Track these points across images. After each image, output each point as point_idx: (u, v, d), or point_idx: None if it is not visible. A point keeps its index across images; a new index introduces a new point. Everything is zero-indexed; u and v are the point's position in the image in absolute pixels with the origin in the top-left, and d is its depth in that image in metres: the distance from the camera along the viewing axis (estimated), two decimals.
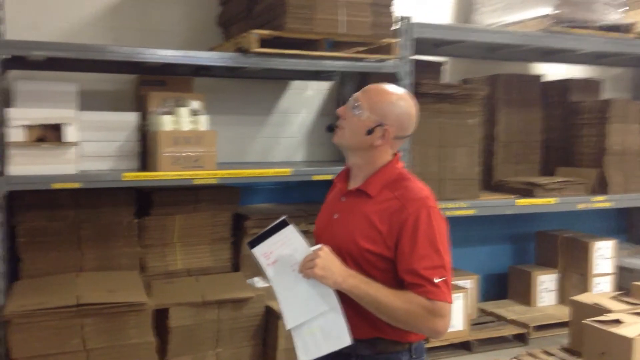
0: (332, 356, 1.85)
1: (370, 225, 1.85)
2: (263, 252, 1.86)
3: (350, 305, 1.82)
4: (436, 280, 1.78)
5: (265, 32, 3.59)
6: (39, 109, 3.31)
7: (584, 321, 3.76)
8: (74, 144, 3.35)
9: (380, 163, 1.94)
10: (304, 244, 1.84)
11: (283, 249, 1.85)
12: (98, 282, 3.49)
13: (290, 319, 1.86)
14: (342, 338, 1.80)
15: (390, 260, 1.84)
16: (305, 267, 1.80)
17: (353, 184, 1.98)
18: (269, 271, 1.87)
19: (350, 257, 1.84)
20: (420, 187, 1.91)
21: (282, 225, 1.85)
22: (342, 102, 4.70)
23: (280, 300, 1.87)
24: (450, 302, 1.82)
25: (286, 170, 3.83)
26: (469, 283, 4.68)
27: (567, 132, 5.24)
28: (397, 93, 1.96)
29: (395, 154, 1.99)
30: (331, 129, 2.00)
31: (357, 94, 1.95)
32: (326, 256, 1.79)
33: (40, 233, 3.59)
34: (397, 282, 1.83)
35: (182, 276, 3.89)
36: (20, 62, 3.52)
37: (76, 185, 3.30)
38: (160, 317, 3.46)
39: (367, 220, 1.86)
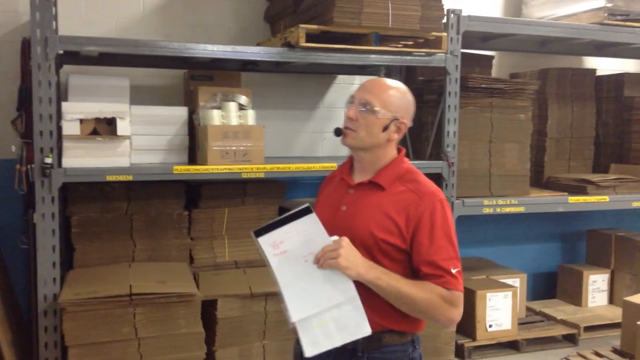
0: (336, 352, 1.84)
1: (385, 216, 1.88)
2: (272, 241, 1.80)
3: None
4: (453, 271, 1.84)
5: (313, 26, 3.59)
6: (93, 103, 3.38)
7: (638, 323, 3.65)
8: (127, 137, 3.42)
9: (390, 156, 1.99)
10: (324, 234, 1.81)
11: (297, 238, 1.80)
12: (149, 273, 3.55)
13: (295, 312, 1.78)
14: (361, 328, 1.80)
15: (403, 252, 1.87)
16: (327, 257, 1.77)
17: (360, 177, 1.99)
18: (274, 261, 1.80)
19: (363, 247, 1.85)
20: (430, 181, 1.97)
21: (304, 212, 1.80)
22: None
23: (285, 292, 1.79)
24: (463, 292, 1.89)
25: (332, 165, 3.82)
26: (517, 281, 4.60)
27: (621, 127, 5.09)
28: (401, 86, 2.01)
29: (400, 149, 2.04)
30: (339, 132, 1.96)
31: (361, 94, 1.94)
32: (348, 247, 1.80)
33: (93, 224, 3.67)
34: (406, 272, 1.87)
35: (230, 268, 3.93)
36: (73, 57, 3.61)
37: (129, 178, 3.36)
38: (208, 308, 3.51)
39: (382, 211, 1.88)
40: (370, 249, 1.85)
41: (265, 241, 1.80)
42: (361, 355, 1.89)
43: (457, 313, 1.85)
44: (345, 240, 1.81)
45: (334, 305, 1.80)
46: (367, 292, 1.82)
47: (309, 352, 1.80)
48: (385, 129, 1.92)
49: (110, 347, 3.24)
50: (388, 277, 1.81)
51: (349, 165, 2.06)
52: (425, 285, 1.82)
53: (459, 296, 1.85)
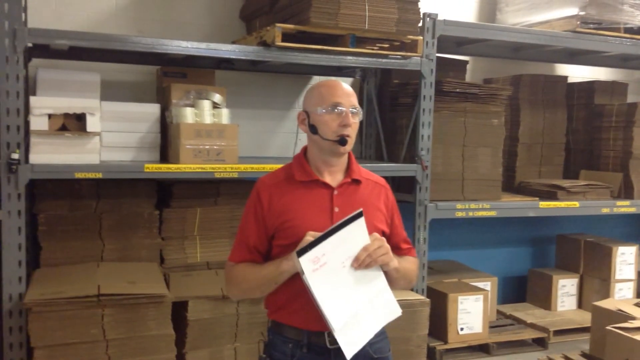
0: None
1: (376, 208, 2.07)
2: (314, 257, 1.78)
3: None
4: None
5: (289, 26, 3.57)
6: (62, 98, 3.30)
7: (607, 327, 3.69)
8: (97, 133, 3.34)
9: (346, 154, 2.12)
10: (366, 235, 1.89)
11: (340, 247, 1.83)
12: (118, 273, 3.48)
13: (337, 321, 1.79)
14: (392, 312, 1.95)
15: (386, 235, 2.06)
16: (377, 255, 1.88)
17: (333, 178, 2.06)
18: (313, 277, 1.77)
19: None
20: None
21: (356, 217, 1.87)
22: (365, 99, 4.68)
23: (324, 305, 1.78)
24: None
25: None
26: (488, 285, 4.63)
27: (591, 134, 5.17)
28: None
29: None
30: (344, 142, 2.01)
31: (347, 99, 2.01)
32: (385, 241, 1.94)
33: (61, 222, 3.58)
34: None
35: (202, 269, 3.87)
36: (43, 50, 3.53)
37: (98, 176, 3.29)
38: (179, 310, 3.45)
39: (373, 205, 2.07)
40: None
41: (308, 258, 1.78)
42: (367, 346, 1.95)
43: None
44: (379, 235, 1.95)
45: (367, 301, 1.88)
46: None
47: (349, 353, 1.82)
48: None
49: (77, 349, 3.15)
50: (400, 260, 2.04)
51: (307, 168, 2.05)
52: (408, 259, 2.15)
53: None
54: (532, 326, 4.68)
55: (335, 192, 2.03)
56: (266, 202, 2.01)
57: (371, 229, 1.95)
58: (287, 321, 2.01)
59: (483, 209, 4.28)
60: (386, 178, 4.44)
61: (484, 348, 4.34)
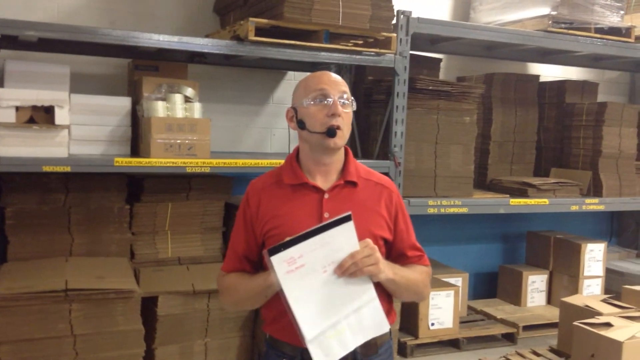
0: None
1: (375, 212, 1.89)
2: (288, 257, 1.66)
3: None
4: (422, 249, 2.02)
5: (262, 20, 3.55)
6: (30, 90, 3.24)
7: (574, 323, 3.76)
8: (66, 126, 3.29)
9: (343, 152, 1.96)
10: (355, 241, 1.72)
11: (321, 250, 1.69)
12: (87, 268, 3.44)
13: (310, 329, 1.67)
14: (380, 326, 1.79)
15: (387, 243, 1.92)
16: (364, 264, 1.70)
17: (326, 181, 1.89)
18: (286, 278, 1.66)
19: None
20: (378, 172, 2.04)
21: (344, 220, 1.72)
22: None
23: (296, 310, 1.67)
24: None
25: (280, 162, 3.77)
26: (459, 281, 4.67)
27: (562, 133, 5.24)
28: None
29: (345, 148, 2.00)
30: (334, 133, 1.82)
31: (337, 87, 1.85)
32: (377, 249, 1.75)
33: (29, 216, 3.53)
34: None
35: (173, 264, 3.84)
36: (11, 41, 3.46)
37: (67, 169, 3.23)
38: (149, 305, 3.42)
39: (370, 209, 1.88)
40: None
41: (280, 259, 1.66)
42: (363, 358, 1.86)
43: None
44: (371, 243, 1.75)
45: (351, 312, 1.74)
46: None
47: None
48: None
49: (44, 344, 3.12)
50: (399, 270, 1.85)
51: (297, 170, 1.91)
52: (416, 268, 1.95)
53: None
54: (502, 322, 4.74)
55: (326, 196, 1.87)
56: (254, 207, 1.90)
57: (365, 234, 1.78)
58: (280, 336, 1.89)
59: (454, 206, 4.31)
60: None
61: (454, 343, 4.38)
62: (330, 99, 1.83)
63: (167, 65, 3.90)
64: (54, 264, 3.47)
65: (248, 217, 1.91)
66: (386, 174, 4.09)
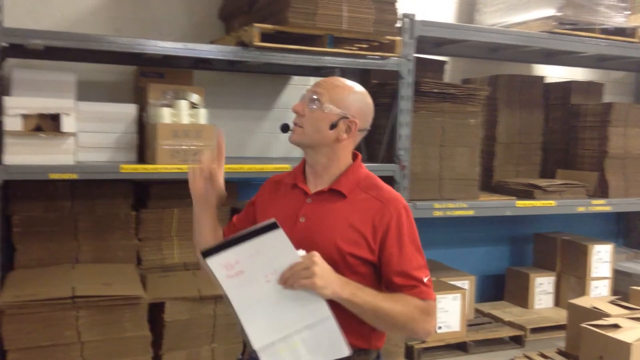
0: None
1: (351, 227, 1.75)
2: (225, 262, 1.60)
3: None
4: (425, 280, 1.75)
5: (267, 26, 3.56)
6: (37, 98, 3.26)
7: (582, 325, 3.74)
8: (72, 134, 3.31)
9: (346, 161, 1.86)
10: (292, 251, 1.62)
11: (257, 257, 1.61)
12: (94, 274, 3.45)
13: (257, 339, 1.62)
14: (337, 349, 1.65)
15: (370, 264, 1.76)
16: (299, 277, 1.59)
17: (316, 185, 1.84)
18: (228, 284, 1.61)
19: (330, 262, 1.67)
20: (390, 187, 1.86)
21: (270, 228, 1.60)
22: None
23: (243, 317, 1.62)
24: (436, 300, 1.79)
25: (286, 166, 3.79)
26: (466, 284, 4.66)
27: (568, 134, 5.23)
28: (357, 86, 1.88)
29: (356, 155, 1.91)
30: (286, 128, 1.83)
31: (312, 89, 1.81)
32: (322, 263, 1.62)
33: (36, 223, 3.55)
34: (372, 286, 1.73)
35: (179, 270, 3.86)
36: (18, 50, 3.47)
37: (73, 176, 3.26)
38: (156, 311, 3.43)
39: (346, 222, 1.75)
40: (336, 264, 1.69)
41: (217, 262, 1.60)
42: None
43: (433, 323, 1.76)
44: (317, 256, 1.63)
45: (304, 327, 1.64)
46: (336, 309, 1.65)
47: None
48: (333, 126, 1.78)
49: (51, 351, 3.14)
50: (363, 292, 1.66)
51: (301, 171, 1.89)
52: (401, 298, 1.71)
53: (434, 305, 1.76)
54: (510, 324, 4.73)
55: (309, 200, 1.82)
56: (259, 197, 1.96)
57: (329, 247, 1.70)
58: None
59: (461, 209, 4.31)
60: None
61: (461, 346, 4.37)
62: (303, 97, 1.84)
63: (173, 71, 3.92)
64: (60, 271, 3.49)
65: (254, 205, 1.97)
66: (392, 177, 4.09)
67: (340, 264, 1.71)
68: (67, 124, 3.27)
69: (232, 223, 2.01)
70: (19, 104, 3.22)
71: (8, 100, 3.21)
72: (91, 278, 3.39)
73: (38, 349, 3.10)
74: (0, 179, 3.13)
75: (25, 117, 3.22)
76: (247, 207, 2.00)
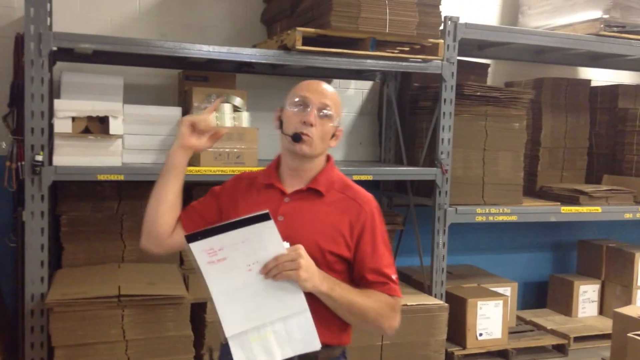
0: None
1: (330, 225, 1.80)
2: (208, 248, 1.62)
3: None
4: (394, 277, 1.84)
5: (309, 30, 3.58)
6: (86, 101, 3.34)
7: (628, 334, 3.63)
8: (119, 136, 3.38)
9: (322, 162, 1.91)
10: (280, 242, 1.66)
11: (242, 245, 1.63)
12: (139, 274, 3.52)
13: (231, 326, 1.64)
14: (309, 343, 1.69)
15: (345, 261, 1.82)
16: (284, 268, 1.64)
17: (293, 185, 1.87)
18: (209, 269, 1.63)
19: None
20: (362, 188, 1.92)
21: (261, 218, 1.63)
22: (385, 102, 4.67)
23: (218, 304, 1.64)
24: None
25: None
26: (508, 290, 4.59)
27: (614, 139, 5.11)
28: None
29: (329, 157, 1.95)
30: (298, 138, 1.80)
31: (318, 98, 1.82)
32: (307, 256, 1.67)
33: (83, 223, 3.64)
34: (347, 282, 1.81)
35: None
36: (67, 54, 3.57)
37: (120, 178, 3.32)
38: (198, 311, 3.47)
39: (325, 221, 1.81)
40: (316, 261, 1.73)
41: (200, 247, 1.63)
42: None
43: (398, 319, 1.85)
44: (302, 249, 1.68)
45: (279, 319, 1.67)
46: (310, 304, 1.69)
47: None
48: (332, 136, 1.87)
49: (97, 349, 3.19)
50: (340, 287, 1.73)
51: (275, 171, 1.92)
52: (372, 294, 1.79)
53: (400, 302, 1.87)
54: (552, 332, 4.64)
55: (286, 200, 1.85)
56: (228, 190, 1.95)
57: (310, 245, 1.73)
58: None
59: (504, 214, 4.24)
60: (405, 182, 4.45)
61: (503, 354, 4.30)
62: (308, 108, 1.83)
63: (216, 75, 3.97)
64: (106, 270, 3.57)
65: (218, 197, 1.96)
66: (433, 181, 4.06)
67: (319, 260, 1.75)
68: (115, 126, 3.34)
69: (192, 207, 1.99)
70: (69, 107, 3.30)
71: (58, 103, 3.29)
72: (136, 277, 3.45)
73: (84, 346, 3.16)
74: (49, 180, 3.21)
75: (74, 119, 3.30)
76: (209, 196, 2.00)
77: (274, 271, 1.65)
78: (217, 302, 1.65)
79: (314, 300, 1.71)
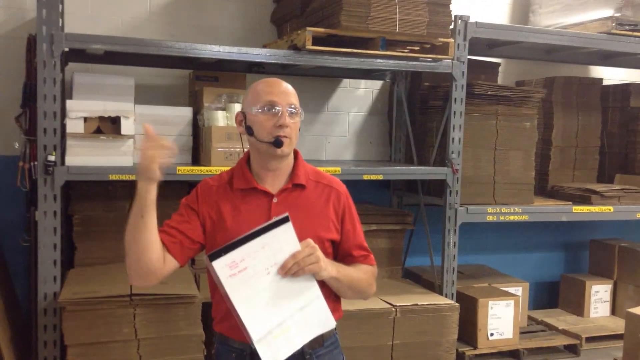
0: None
1: (320, 215, 1.93)
2: (230, 261, 1.67)
3: None
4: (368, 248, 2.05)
5: (320, 29, 3.58)
6: (97, 102, 3.37)
7: None
8: (131, 136, 3.40)
9: (292, 157, 1.98)
10: (296, 241, 1.74)
11: (263, 251, 1.71)
12: None
13: (256, 330, 1.68)
14: (325, 323, 1.82)
15: (335, 243, 1.96)
16: (306, 263, 1.73)
17: (274, 185, 1.92)
18: (231, 282, 1.66)
19: None
20: (327, 173, 2.06)
21: (282, 222, 1.73)
22: (395, 102, 4.67)
23: (242, 312, 1.67)
24: None
25: (336, 169, 3.80)
26: (519, 290, 4.58)
27: (626, 138, 5.08)
28: None
29: (296, 150, 2.01)
30: (279, 143, 1.86)
31: (285, 98, 1.88)
32: (318, 248, 1.79)
33: (95, 223, 3.66)
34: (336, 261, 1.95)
35: None
36: (79, 55, 3.61)
37: (132, 177, 3.33)
38: (209, 310, 3.48)
39: (317, 212, 1.93)
40: None
41: (222, 263, 1.66)
42: (309, 357, 1.90)
43: (375, 285, 2.06)
44: (313, 242, 1.78)
45: (297, 310, 1.76)
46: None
47: None
48: (299, 129, 1.96)
49: (109, 347, 3.21)
50: (342, 268, 1.89)
51: (247, 174, 1.93)
52: (360, 267, 1.98)
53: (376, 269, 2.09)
54: (564, 332, 4.61)
55: (275, 200, 1.90)
56: (204, 205, 1.92)
57: (311, 237, 1.81)
58: (230, 334, 1.91)
59: (515, 213, 4.23)
60: (416, 181, 4.44)
61: (514, 354, 4.29)
62: (278, 108, 1.87)
63: (227, 75, 3.99)
64: (118, 269, 3.57)
65: (197, 211, 1.92)
66: (443, 181, 4.05)
67: (320, 249, 1.83)
68: (127, 126, 3.37)
69: (174, 230, 1.90)
70: (81, 107, 3.33)
71: (70, 104, 3.32)
72: None
73: (97, 345, 3.18)
74: (62, 180, 3.24)
75: (86, 119, 3.33)
76: (186, 213, 1.92)
77: (294, 268, 1.73)
78: (240, 310, 1.68)
79: (321, 285, 1.84)
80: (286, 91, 1.92)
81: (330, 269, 1.82)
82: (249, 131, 1.91)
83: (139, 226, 1.78)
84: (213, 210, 1.91)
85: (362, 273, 1.97)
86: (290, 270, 1.72)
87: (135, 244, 1.79)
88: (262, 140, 1.87)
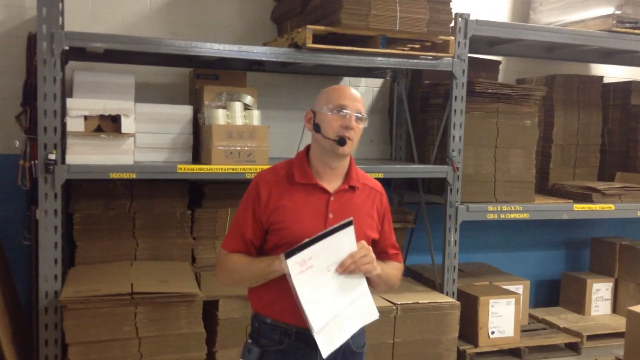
0: (338, 352, 1.99)
1: (369, 216, 2.12)
2: (301, 260, 1.85)
3: None
4: None
5: (320, 27, 3.58)
6: (98, 100, 3.36)
7: None
8: (131, 135, 3.40)
9: (347, 159, 2.13)
10: (354, 242, 1.94)
11: (327, 252, 1.89)
12: (151, 272, 3.53)
13: (317, 323, 1.86)
14: (371, 313, 2.04)
15: (374, 241, 2.13)
16: (362, 263, 1.94)
17: (331, 184, 2.07)
18: (299, 278, 1.84)
19: None
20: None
21: (346, 225, 1.92)
22: (396, 100, 4.67)
23: (307, 307, 1.85)
24: None
25: None
26: (520, 288, 4.57)
27: (627, 136, 5.07)
28: None
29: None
30: (343, 142, 2.01)
31: (353, 104, 2.02)
32: (371, 249, 1.99)
33: (96, 221, 3.66)
34: None
35: None
36: (79, 53, 3.60)
37: (132, 176, 3.34)
38: (210, 309, 3.49)
39: (365, 213, 2.10)
40: None
41: (294, 261, 1.84)
42: (356, 349, 2.11)
43: None
44: (366, 244, 1.98)
45: (349, 303, 1.95)
46: None
47: (325, 352, 1.89)
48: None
49: (110, 346, 3.21)
50: (383, 266, 2.09)
51: (307, 170, 2.06)
52: (392, 264, 2.20)
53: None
54: (565, 331, 4.61)
55: (332, 198, 2.06)
56: (265, 198, 2.03)
57: (361, 236, 1.99)
58: (278, 317, 2.04)
59: (515, 211, 4.23)
60: (416, 179, 4.44)
61: (515, 352, 4.28)
62: (347, 112, 2.02)
63: (227, 73, 3.98)
64: (119, 268, 3.59)
65: (257, 207, 2.04)
66: (444, 179, 4.05)
67: None
68: (127, 125, 3.37)
69: (247, 241, 2.05)
70: (81, 106, 3.33)
71: (70, 102, 3.32)
72: (148, 275, 3.46)
73: (98, 344, 3.18)
74: (62, 178, 3.24)
75: (86, 118, 3.32)
76: (250, 214, 2.04)
77: (352, 267, 1.93)
78: (305, 304, 1.85)
79: None
80: (356, 98, 2.06)
81: (378, 267, 2.01)
82: (316, 128, 2.05)
83: (259, 281, 2.03)
84: (275, 201, 2.03)
85: (395, 270, 2.20)
86: (348, 268, 1.92)
87: (250, 284, 2.10)
88: (328, 137, 2.01)
